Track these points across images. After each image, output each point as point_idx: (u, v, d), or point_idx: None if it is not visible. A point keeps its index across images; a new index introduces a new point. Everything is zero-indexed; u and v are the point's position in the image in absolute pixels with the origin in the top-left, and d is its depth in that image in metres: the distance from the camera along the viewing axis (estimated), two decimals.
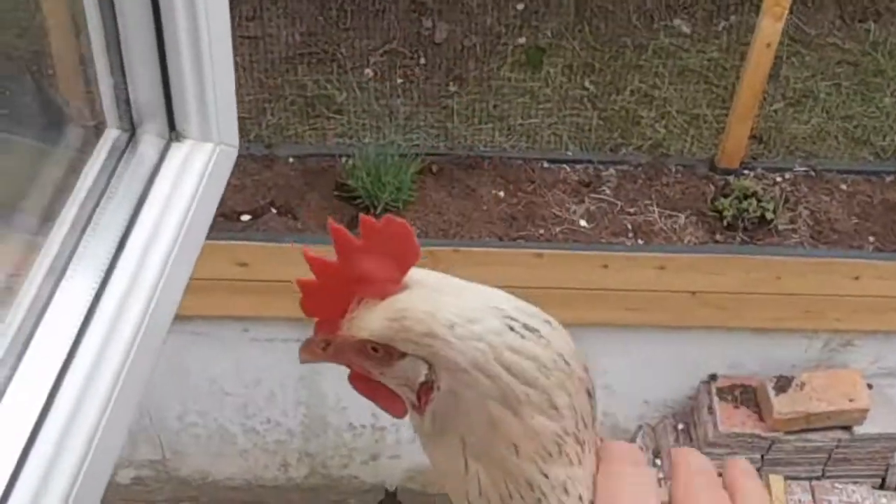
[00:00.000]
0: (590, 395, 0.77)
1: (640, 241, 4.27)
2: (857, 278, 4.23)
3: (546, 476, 0.74)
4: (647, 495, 0.75)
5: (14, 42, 1.16)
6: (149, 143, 1.10)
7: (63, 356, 0.91)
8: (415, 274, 0.79)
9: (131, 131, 1.11)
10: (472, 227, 4.19)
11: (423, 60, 4.97)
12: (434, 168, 4.41)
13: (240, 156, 3.96)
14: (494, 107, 4.80)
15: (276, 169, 4.36)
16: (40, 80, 1.17)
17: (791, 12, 4.23)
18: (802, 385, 4.50)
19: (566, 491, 0.74)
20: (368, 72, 4.91)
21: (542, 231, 4.23)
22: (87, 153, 1.09)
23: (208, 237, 3.70)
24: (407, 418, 0.82)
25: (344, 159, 4.38)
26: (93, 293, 0.98)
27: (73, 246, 1.01)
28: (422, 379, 0.76)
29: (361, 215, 0.81)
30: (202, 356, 4.44)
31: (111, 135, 1.11)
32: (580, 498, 0.75)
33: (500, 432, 0.73)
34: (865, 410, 4.49)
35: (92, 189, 1.06)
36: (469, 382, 0.73)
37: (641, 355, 4.44)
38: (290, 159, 4.40)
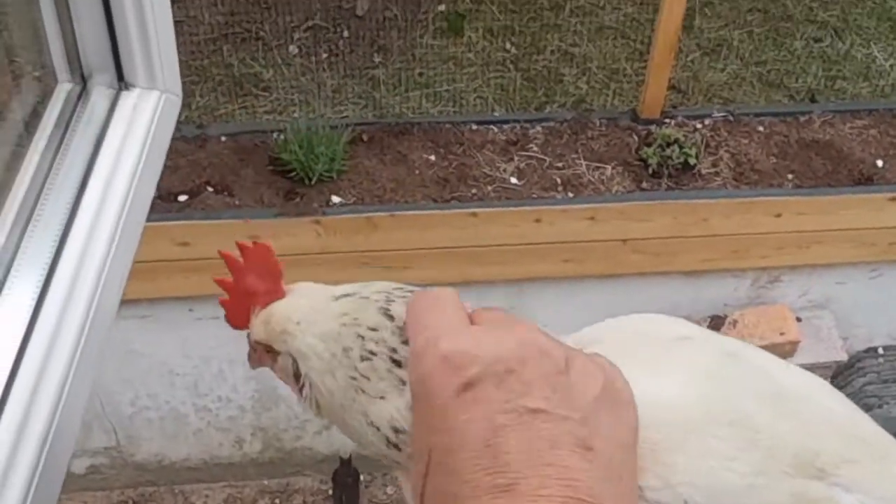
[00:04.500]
0: (390, 301, 0.86)
1: (569, 194, 4.39)
2: (778, 215, 4.39)
3: (361, 420, 0.84)
4: (446, 300, 0.78)
5: None
6: (99, 94, 1.19)
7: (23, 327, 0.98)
8: (299, 286, 0.94)
9: (82, 84, 1.19)
10: (407, 192, 4.28)
11: (346, 34, 5.04)
12: (365, 137, 4.48)
13: (173, 138, 3.99)
14: (420, 74, 4.89)
15: (210, 148, 4.41)
16: None
17: None
18: (735, 323, 4.67)
19: (371, 423, 0.84)
20: (293, 48, 4.97)
21: (474, 191, 4.34)
22: (42, 107, 1.17)
23: (148, 219, 3.73)
24: None
25: (275, 135, 4.45)
26: (54, 247, 1.06)
27: (30, 208, 1.08)
28: (292, 369, 0.90)
29: (236, 247, 0.98)
30: (149, 339, 4.48)
31: (64, 88, 1.19)
32: (372, 423, 0.84)
33: (335, 398, 0.85)
34: (796, 342, 4.67)
35: (48, 144, 1.14)
36: (311, 366, 0.87)
37: (577, 305, 4.55)
38: (223, 138, 4.46)
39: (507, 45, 5.03)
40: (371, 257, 4.21)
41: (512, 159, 4.48)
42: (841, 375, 4.93)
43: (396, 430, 0.83)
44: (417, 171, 4.40)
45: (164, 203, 4.20)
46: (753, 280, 4.68)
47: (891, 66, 5.14)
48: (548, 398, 0.68)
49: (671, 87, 4.76)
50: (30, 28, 1.19)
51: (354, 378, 0.84)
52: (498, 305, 0.80)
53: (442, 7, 5.16)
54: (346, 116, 4.66)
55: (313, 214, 4.14)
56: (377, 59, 4.94)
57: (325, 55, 4.94)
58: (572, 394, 0.69)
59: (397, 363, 0.83)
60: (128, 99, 1.19)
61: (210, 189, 4.29)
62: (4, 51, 1.24)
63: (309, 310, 0.89)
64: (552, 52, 5.00)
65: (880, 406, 4.87)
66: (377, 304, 0.87)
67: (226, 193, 4.28)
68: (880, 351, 5.07)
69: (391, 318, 0.85)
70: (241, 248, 0.96)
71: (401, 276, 4.26)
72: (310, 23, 5.04)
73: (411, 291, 0.86)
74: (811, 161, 4.60)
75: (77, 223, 1.07)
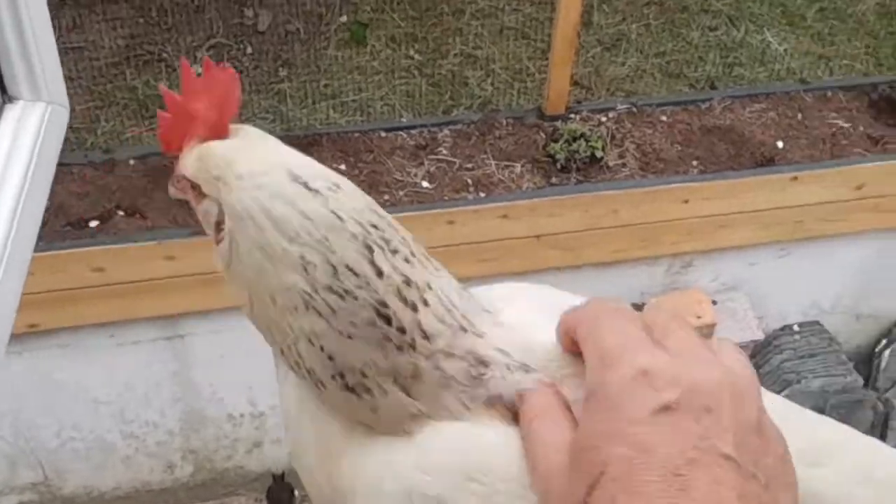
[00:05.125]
0: (372, 246, 0.80)
1: (481, 194, 4.44)
2: (686, 202, 4.48)
3: (291, 328, 0.80)
4: (629, 322, 0.74)
5: None
6: None
7: None
8: (247, 130, 0.88)
9: None
10: None
11: (249, 50, 5.05)
12: None
13: (80, 164, 3.97)
14: (325, 86, 4.91)
15: (118, 172, 4.39)
16: None
17: None
18: None
19: (310, 342, 0.79)
20: (197, 68, 4.95)
21: (386, 197, 4.37)
22: None
23: (60, 247, 3.70)
24: None
25: None
26: None
27: None
28: (215, 218, 0.84)
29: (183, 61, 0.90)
30: (70, 368, 4.43)
31: None
32: (322, 349, 0.79)
33: (262, 282, 0.80)
34: (713, 325, 4.77)
35: None
36: (241, 229, 0.80)
37: None
38: (131, 161, 4.43)
39: (411, 52, 5.07)
40: None
41: (422, 164, 4.52)
42: (759, 354, 5.04)
43: (354, 371, 0.78)
44: None
45: (75, 230, 4.17)
46: (667, 267, 4.77)
47: (784, 50, 5.29)
48: (739, 450, 0.67)
49: (574, 83, 4.84)
50: None
51: (309, 295, 0.78)
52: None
53: (344, 18, 5.19)
54: None
55: None
56: (282, 74, 4.95)
57: None
58: (760, 455, 0.68)
59: (385, 319, 0.78)
60: (12, 111, 1.20)
61: (121, 213, 4.26)
62: None
63: (259, 168, 0.81)
64: (456, 55, 5.06)
65: (798, 381, 4.98)
66: (357, 238, 0.80)
67: (138, 216, 4.25)
68: (795, 328, 5.19)
69: (379, 272, 0.79)
70: (207, 67, 0.88)
71: None
72: (212, 41, 5.03)
73: (375, 227, 0.81)
74: (714, 146, 4.71)
75: None
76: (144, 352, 4.45)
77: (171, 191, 0.93)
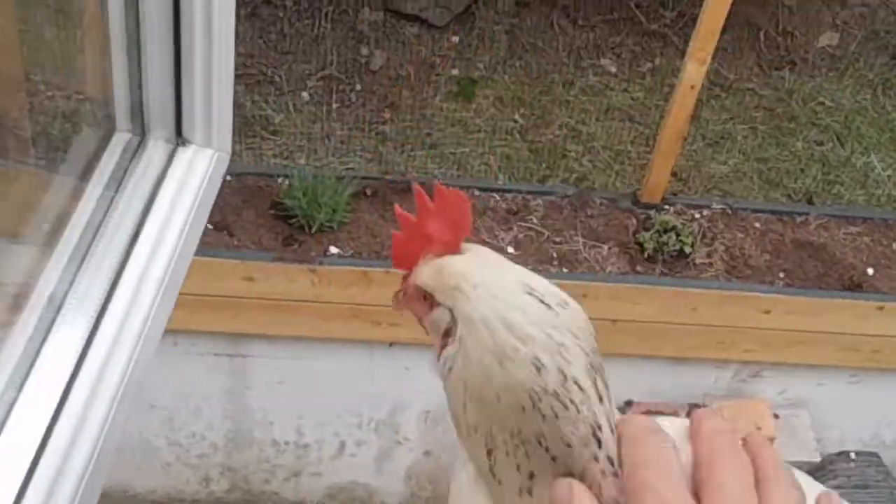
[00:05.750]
0: (594, 368, 0.83)
1: (564, 270, 4.42)
2: (767, 312, 4.44)
3: (520, 430, 0.82)
4: (671, 460, 0.77)
5: (37, 43, 1.26)
6: (157, 147, 1.21)
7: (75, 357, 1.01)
8: (478, 248, 0.93)
9: (141, 136, 1.22)
10: None
11: (358, 87, 5.10)
12: (368, 191, 4.52)
13: None
14: (427, 134, 4.94)
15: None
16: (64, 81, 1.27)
17: (713, 58, 4.43)
18: None
19: (539, 444, 0.81)
20: (305, 95, 5.02)
21: None
22: (98, 155, 1.20)
23: None
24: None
25: (280, 179, 4.48)
26: (105, 291, 1.09)
27: (84, 250, 1.11)
28: (445, 326, 0.88)
29: (437, 183, 0.96)
30: None
31: (122, 138, 1.22)
32: (547, 449, 0.81)
33: (489, 381, 0.83)
34: (772, 439, 4.69)
35: (105, 189, 1.17)
36: (472, 332, 0.84)
37: None
38: (228, 177, 4.49)
39: (516, 115, 5.09)
40: (362, 311, 4.22)
41: (511, 229, 4.52)
42: (812, 476, 4.95)
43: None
44: None
45: None
46: (735, 372, 4.71)
47: (888, 176, 5.23)
48: None
49: (672, 175, 4.82)
50: (98, 74, 1.22)
51: (538, 396, 0.81)
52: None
53: (455, 71, 5.23)
54: (351, 168, 4.69)
55: (310, 263, 4.16)
56: (387, 115, 4.99)
57: (335, 105, 4.99)
58: None
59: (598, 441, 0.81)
60: (184, 154, 1.22)
61: (210, 226, 4.30)
62: (67, 91, 1.27)
63: (492, 282, 0.86)
64: (559, 127, 5.07)
65: None
66: (584, 355, 0.83)
67: (225, 232, 4.29)
68: (852, 456, 5.10)
69: (600, 398, 0.83)
70: (438, 190, 0.94)
71: (390, 333, 4.28)
72: (325, 72, 5.09)
73: (595, 350, 0.84)
74: (803, 262, 4.66)
75: (128, 271, 1.10)
76: (205, 364, 4.48)
77: (395, 304, 0.99)
